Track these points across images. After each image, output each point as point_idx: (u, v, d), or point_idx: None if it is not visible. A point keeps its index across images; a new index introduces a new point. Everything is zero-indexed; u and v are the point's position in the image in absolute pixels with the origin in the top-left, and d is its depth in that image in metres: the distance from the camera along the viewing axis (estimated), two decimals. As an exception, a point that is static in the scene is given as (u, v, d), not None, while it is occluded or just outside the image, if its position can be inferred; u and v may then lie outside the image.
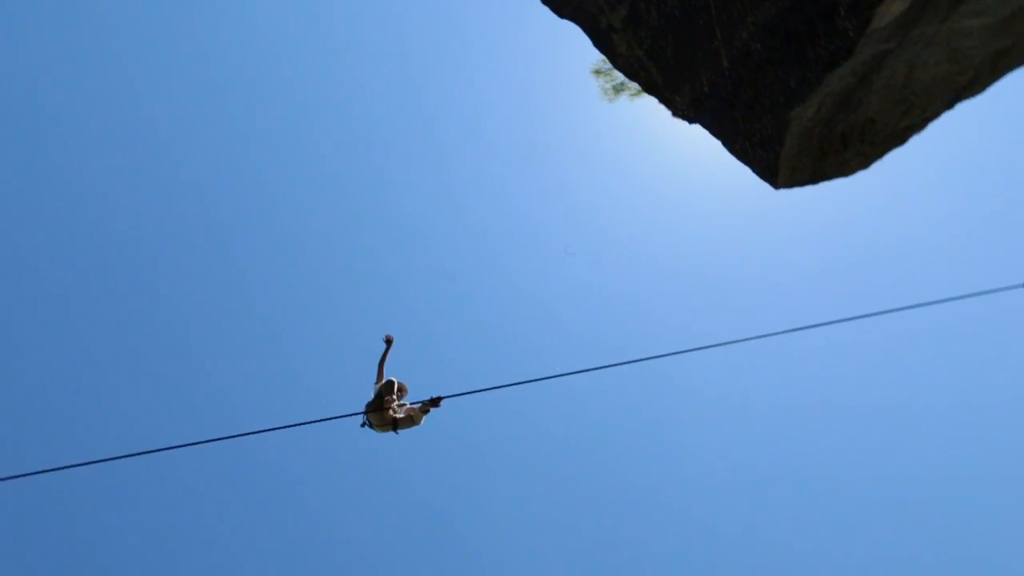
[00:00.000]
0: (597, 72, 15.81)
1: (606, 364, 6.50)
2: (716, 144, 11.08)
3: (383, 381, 8.03)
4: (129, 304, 26.63)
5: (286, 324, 28.42)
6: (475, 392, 6.78)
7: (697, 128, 11.19)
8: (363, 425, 7.72)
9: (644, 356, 6.62)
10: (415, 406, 7.74)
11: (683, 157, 29.18)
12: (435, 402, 7.62)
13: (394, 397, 7.79)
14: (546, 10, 11.51)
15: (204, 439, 5.54)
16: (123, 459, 5.39)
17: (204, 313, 27.65)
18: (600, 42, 10.93)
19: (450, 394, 7.28)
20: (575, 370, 6.49)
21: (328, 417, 6.48)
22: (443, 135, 31.48)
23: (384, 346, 8.22)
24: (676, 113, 10.96)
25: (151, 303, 27.10)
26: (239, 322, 27.98)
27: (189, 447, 5.57)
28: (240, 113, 29.68)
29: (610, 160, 32.30)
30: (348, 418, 7.17)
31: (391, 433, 7.71)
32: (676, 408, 28.91)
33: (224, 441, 5.61)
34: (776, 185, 10.44)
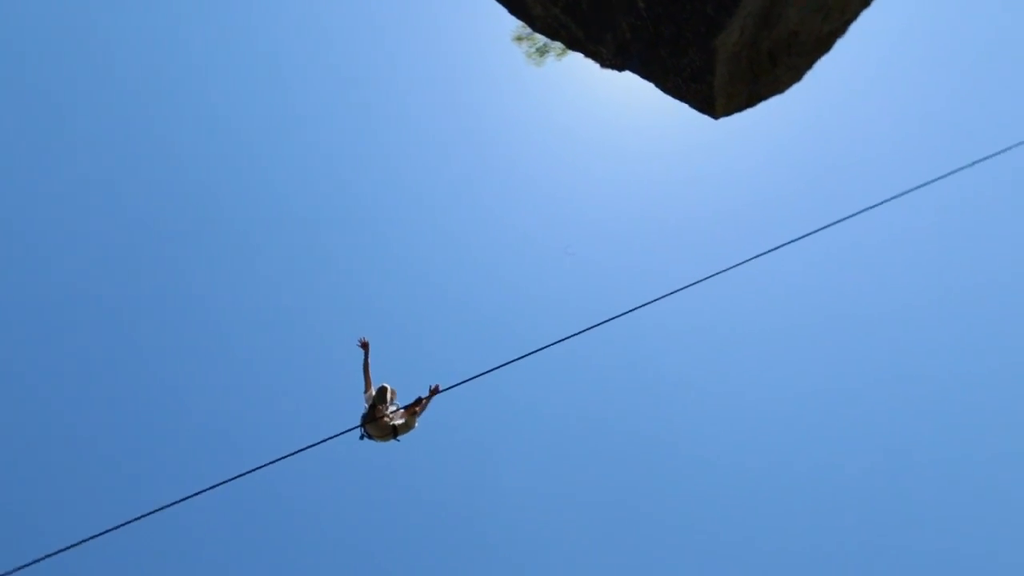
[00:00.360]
0: (518, 39, 15.63)
1: (585, 328, 6.50)
2: (651, 88, 11.07)
3: (373, 389, 7.90)
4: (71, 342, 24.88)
5: (248, 349, 27.06)
6: (471, 379, 6.72)
7: (630, 75, 11.15)
8: (362, 438, 7.60)
9: (618, 313, 6.64)
10: (403, 409, 7.66)
11: (621, 106, 29.10)
12: (433, 391, 7.57)
13: (388, 404, 7.68)
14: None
15: (197, 490, 5.43)
16: (109, 532, 5.27)
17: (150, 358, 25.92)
18: (515, 8, 10.79)
19: (448, 386, 7.24)
20: (555, 340, 6.48)
21: (325, 439, 6.39)
22: (377, 129, 30.55)
23: (362, 352, 8.03)
24: (604, 64, 10.91)
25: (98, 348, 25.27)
26: (194, 356, 26.43)
27: (183, 502, 5.45)
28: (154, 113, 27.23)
29: (549, 122, 32.04)
30: (346, 435, 7.08)
31: (392, 441, 7.63)
32: (663, 353, 29.11)
33: (215, 487, 5.49)
34: (715, 115, 10.48)
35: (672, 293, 6.85)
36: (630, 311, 6.63)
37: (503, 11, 11.07)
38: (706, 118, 10.82)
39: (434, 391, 7.59)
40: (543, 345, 6.36)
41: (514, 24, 15.42)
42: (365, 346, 8.05)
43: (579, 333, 6.51)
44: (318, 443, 6.19)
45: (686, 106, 10.74)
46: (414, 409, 7.60)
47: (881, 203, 8.02)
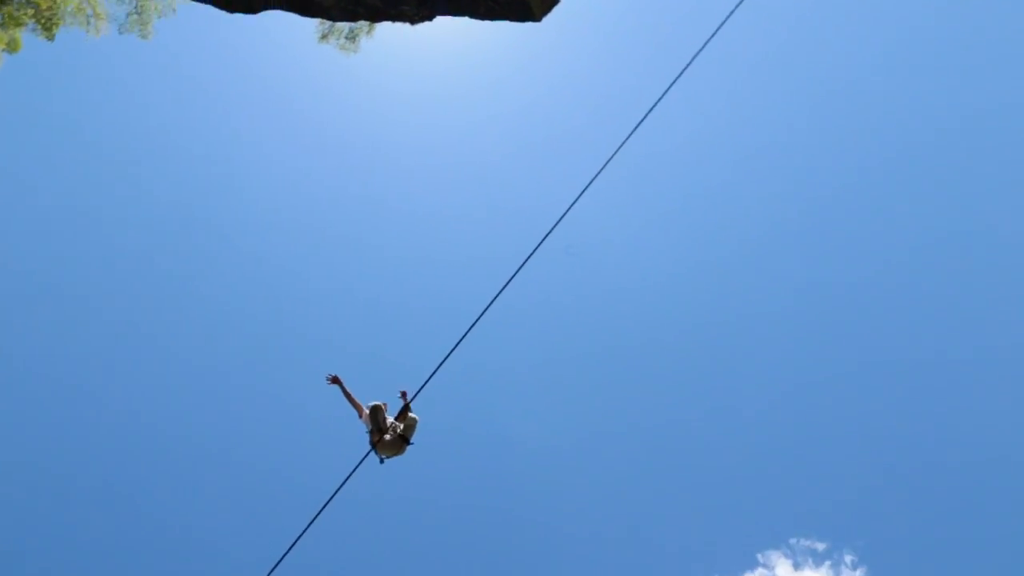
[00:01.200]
0: (323, 36, 15.17)
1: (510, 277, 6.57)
2: (471, 23, 10.99)
3: (365, 414, 7.83)
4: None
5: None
6: (429, 378, 6.72)
7: (445, 21, 11.04)
8: (382, 462, 7.58)
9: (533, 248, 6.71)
10: (397, 419, 7.67)
11: (453, 54, 28.45)
12: (403, 398, 7.66)
13: (388, 420, 7.66)
14: (234, 18, 10.83)
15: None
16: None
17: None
18: (305, 9, 10.49)
19: (416, 392, 7.27)
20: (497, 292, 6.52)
21: (343, 483, 6.34)
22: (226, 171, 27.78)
23: (337, 387, 7.90)
24: (415, 20, 10.77)
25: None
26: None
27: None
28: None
29: (393, 98, 31.00)
30: (360, 469, 7.03)
31: (410, 446, 7.65)
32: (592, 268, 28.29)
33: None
34: (537, 18, 10.52)
35: (575, 201, 6.94)
36: (541, 241, 6.71)
37: (294, 19, 10.74)
38: (532, 26, 10.86)
39: (403, 398, 7.67)
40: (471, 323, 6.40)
41: (312, 25, 14.96)
42: (336, 381, 7.92)
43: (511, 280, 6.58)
44: (337, 491, 6.14)
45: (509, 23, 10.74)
46: (406, 413, 7.61)
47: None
